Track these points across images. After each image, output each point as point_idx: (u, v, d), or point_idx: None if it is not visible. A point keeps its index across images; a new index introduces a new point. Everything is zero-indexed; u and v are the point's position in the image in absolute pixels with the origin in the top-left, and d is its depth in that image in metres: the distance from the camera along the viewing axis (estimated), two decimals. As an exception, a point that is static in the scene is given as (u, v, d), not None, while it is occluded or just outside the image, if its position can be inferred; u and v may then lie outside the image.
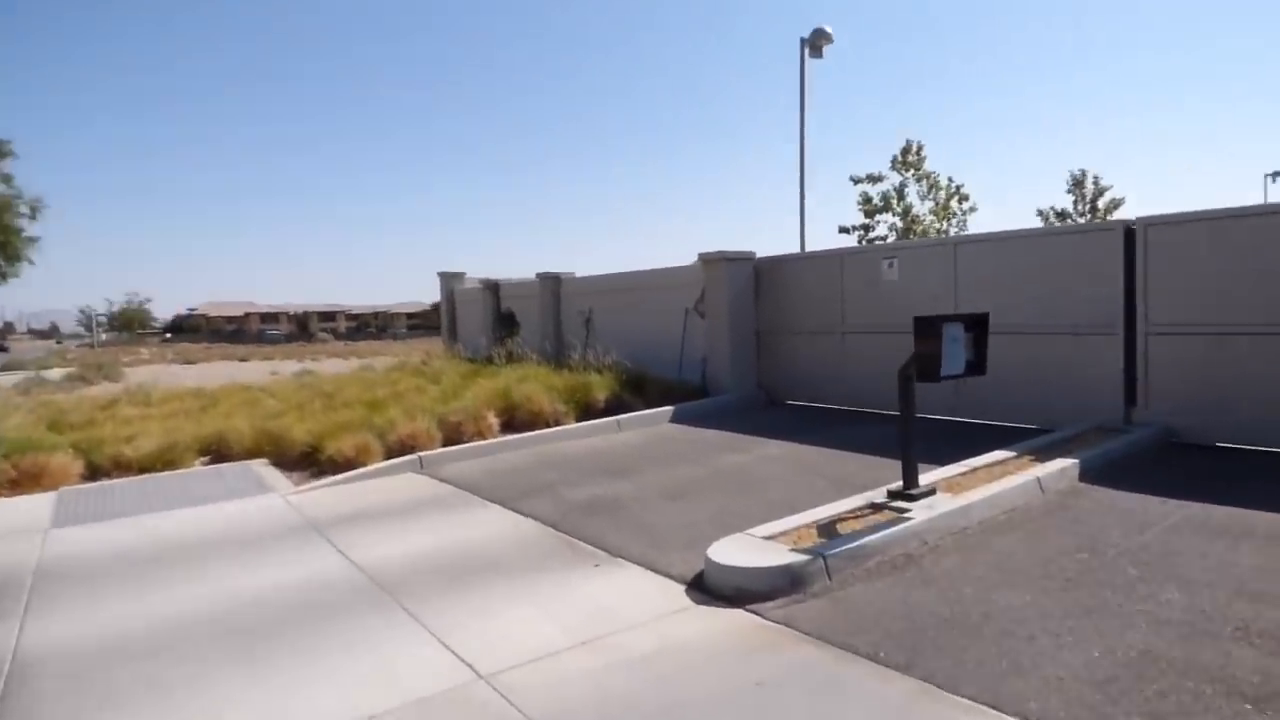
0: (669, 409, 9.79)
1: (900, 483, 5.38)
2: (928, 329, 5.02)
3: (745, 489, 6.26)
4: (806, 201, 15.48)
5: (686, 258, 12.99)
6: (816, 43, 17.13)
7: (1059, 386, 7.72)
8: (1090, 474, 5.89)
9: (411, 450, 8.10)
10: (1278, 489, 5.41)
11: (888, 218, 22.64)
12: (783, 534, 4.61)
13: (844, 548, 4.31)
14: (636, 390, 10.40)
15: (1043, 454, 6.28)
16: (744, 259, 10.89)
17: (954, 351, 5.18)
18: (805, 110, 17.32)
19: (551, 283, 14.77)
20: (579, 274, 14.78)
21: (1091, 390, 7.50)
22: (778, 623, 3.71)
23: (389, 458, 7.89)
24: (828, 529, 4.69)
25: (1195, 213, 6.81)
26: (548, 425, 9.36)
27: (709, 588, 4.18)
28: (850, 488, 5.84)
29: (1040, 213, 29.08)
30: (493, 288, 16.78)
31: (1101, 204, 28.36)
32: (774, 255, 10.83)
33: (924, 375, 5.08)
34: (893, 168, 22.97)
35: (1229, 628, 3.37)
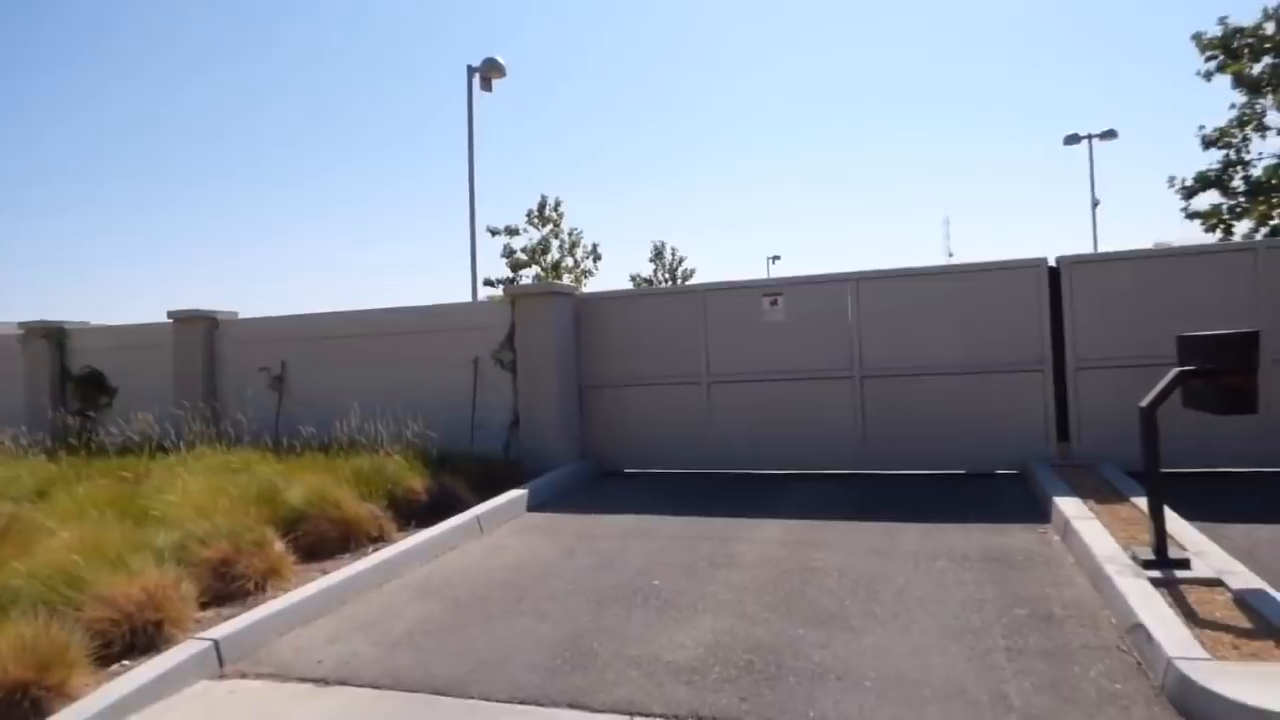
0: (518, 493, 6.92)
1: (1150, 548, 4.10)
2: (1239, 347, 3.83)
3: (886, 601, 4.24)
4: (443, 250, 13.49)
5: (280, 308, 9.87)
6: (487, 74, 15.60)
7: (985, 428, 7.31)
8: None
9: (153, 628, 4.06)
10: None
11: (532, 270, 21.76)
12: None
13: None
14: (442, 472, 7.17)
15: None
16: (565, 294, 8.55)
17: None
18: (474, 147, 15.60)
19: (200, 327, 10.00)
20: (245, 314, 10.32)
21: (1018, 429, 7.23)
22: None
23: (110, 654, 3.79)
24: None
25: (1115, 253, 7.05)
26: (368, 539, 5.77)
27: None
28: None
29: (632, 278, 31.20)
30: (54, 335, 10.82)
31: (680, 272, 31.70)
32: (602, 292, 8.81)
33: (1235, 407, 3.86)
34: (529, 221, 22.26)
35: None
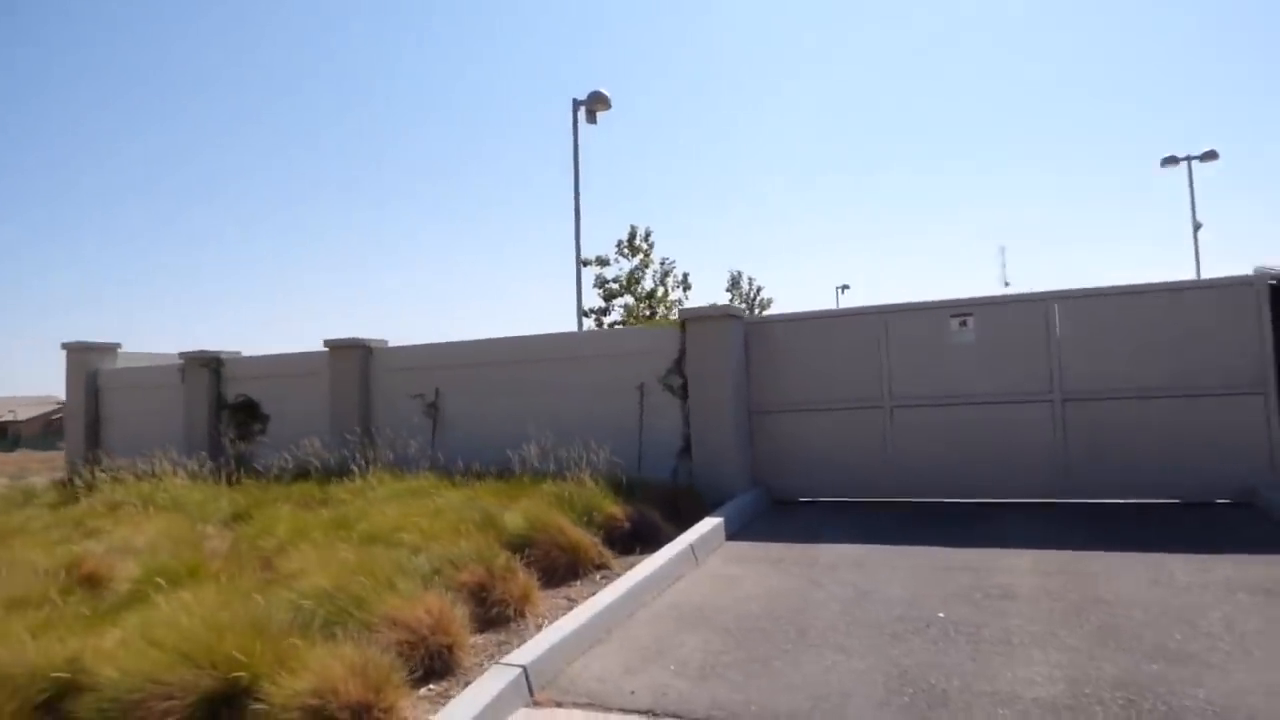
0: (715, 522, 6.70)
1: None
2: None
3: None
4: (556, 279, 13.52)
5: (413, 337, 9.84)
6: (593, 107, 15.78)
7: (1199, 454, 6.87)
8: None
9: (445, 652, 3.92)
10: None
11: (623, 300, 21.82)
12: None
13: None
14: (631, 500, 6.98)
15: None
16: (735, 317, 8.40)
17: None
18: (579, 179, 15.78)
19: (356, 354, 10.10)
20: (395, 342, 10.40)
21: (1236, 456, 6.79)
22: None
23: (412, 678, 3.67)
24: None
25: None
26: (593, 566, 5.61)
27: None
28: None
29: (713, 307, 30.97)
30: (211, 364, 11.06)
31: (758, 301, 31.44)
32: (772, 315, 8.78)
33: None
34: (619, 252, 22.30)
35: None
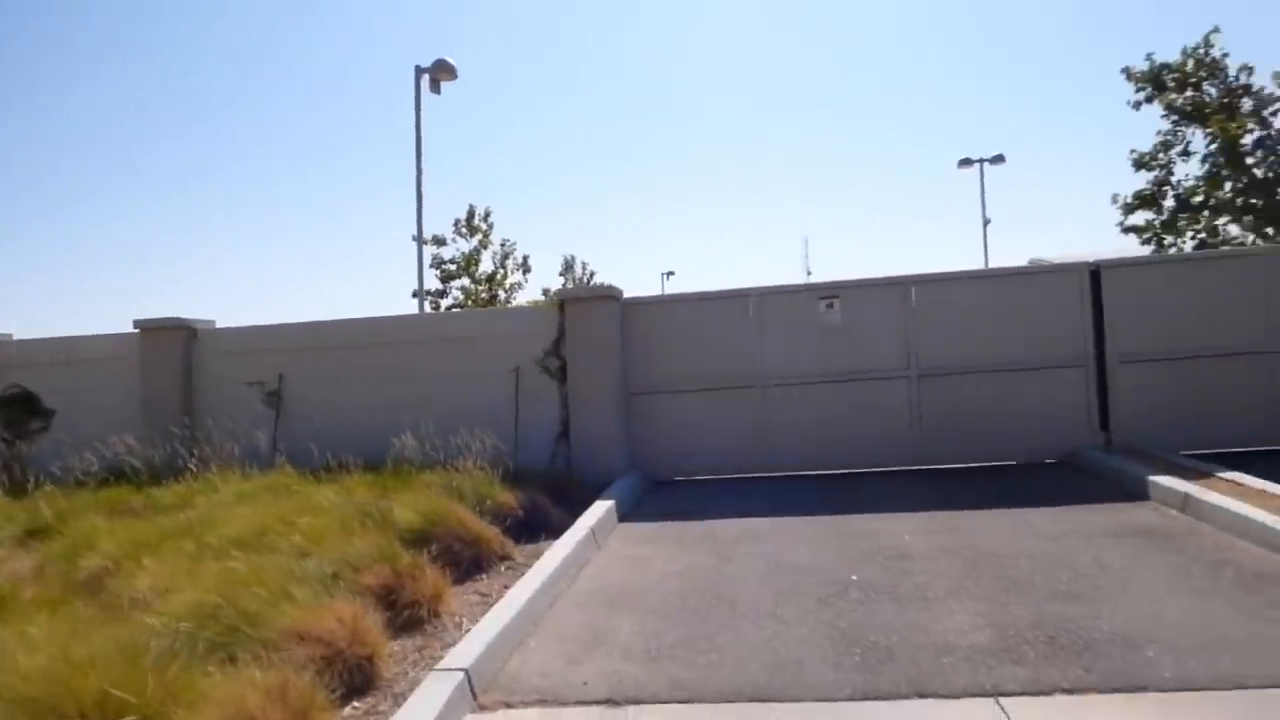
0: (607, 504, 6.58)
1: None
2: None
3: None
4: (389, 261, 12.99)
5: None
6: (437, 76, 14.97)
7: (1034, 421, 7.70)
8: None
9: (366, 664, 3.57)
10: None
11: (461, 282, 21.05)
12: None
13: None
14: (518, 488, 6.69)
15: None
16: (613, 298, 8.27)
17: None
18: (422, 152, 15.03)
19: (176, 337, 8.89)
20: (223, 323, 9.29)
21: (1062, 422, 7.68)
22: None
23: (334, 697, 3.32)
24: None
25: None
26: (497, 557, 5.32)
27: None
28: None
29: (544, 291, 30.60)
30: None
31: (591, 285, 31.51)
32: (648, 296, 8.60)
33: None
34: (456, 231, 21.46)
35: None
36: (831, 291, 8.09)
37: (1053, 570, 4.54)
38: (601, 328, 8.06)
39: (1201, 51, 12.46)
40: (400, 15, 59.75)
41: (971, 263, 26.04)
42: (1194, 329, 7.48)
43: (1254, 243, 11.87)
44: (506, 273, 21.85)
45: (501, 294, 21.88)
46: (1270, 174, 11.60)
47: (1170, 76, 12.43)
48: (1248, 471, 5.88)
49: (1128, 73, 12.88)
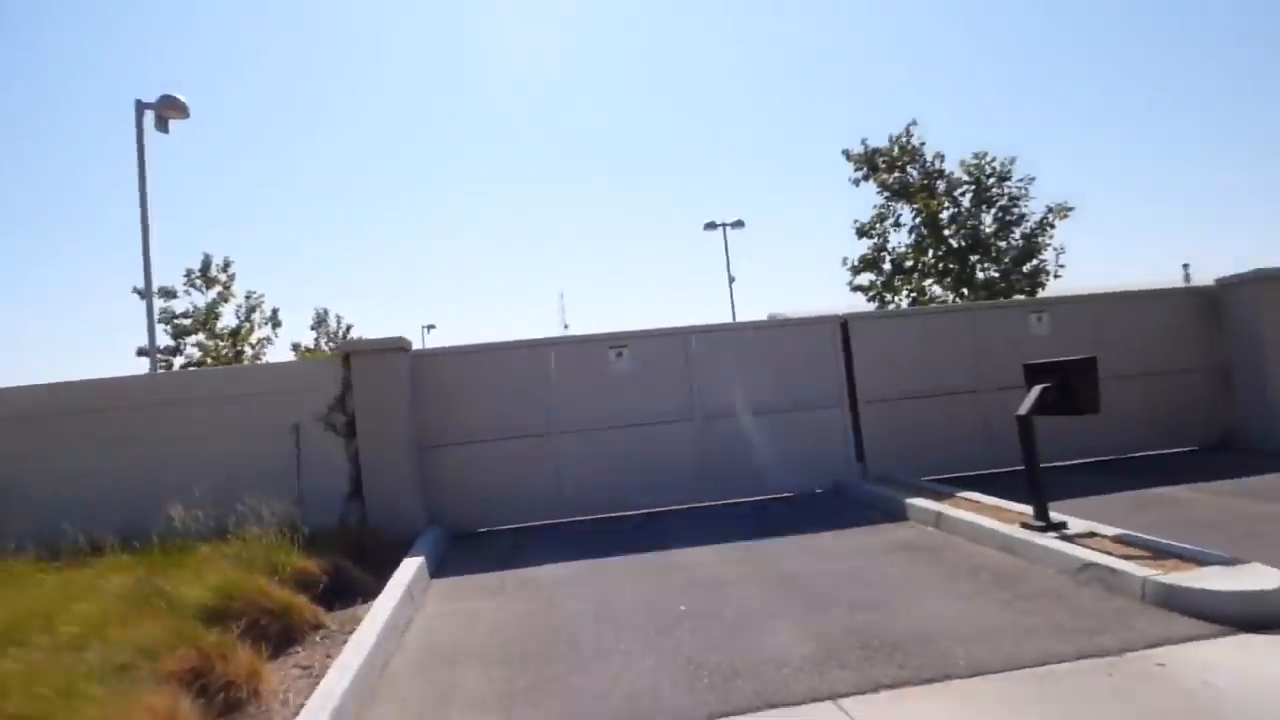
0: (417, 561, 6.30)
1: (1034, 519, 5.55)
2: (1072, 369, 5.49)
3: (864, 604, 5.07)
4: (107, 318, 11.88)
5: None
6: (164, 113, 13.61)
7: (804, 455, 8.64)
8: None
9: None
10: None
11: (196, 338, 18.96)
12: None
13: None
14: (314, 552, 6.22)
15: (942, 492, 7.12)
16: (401, 349, 7.99)
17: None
18: (146, 194, 13.31)
19: None
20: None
21: (827, 456, 8.71)
22: None
23: None
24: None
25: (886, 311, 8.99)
26: (309, 627, 4.92)
27: None
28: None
29: (294, 346, 28.44)
30: None
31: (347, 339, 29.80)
32: (439, 348, 8.53)
33: (1078, 408, 5.48)
34: (189, 282, 19.46)
35: None
36: (621, 341, 8.53)
37: (849, 585, 5.14)
38: (391, 380, 7.78)
39: (904, 139, 15.03)
40: (126, 48, 53.35)
41: (720, 317, 28.50)
42: (921, 372, 8.90)
43: (953, 301, 14.38)
44: (253, 327, 20.13)
45: (249, 350, 20.06)
46: (962, 244, 14.21)
47: (881, 159, 14.85)
48: (982, 491, 7.03)
49: (847, 154, 15.18)
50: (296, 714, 3.56)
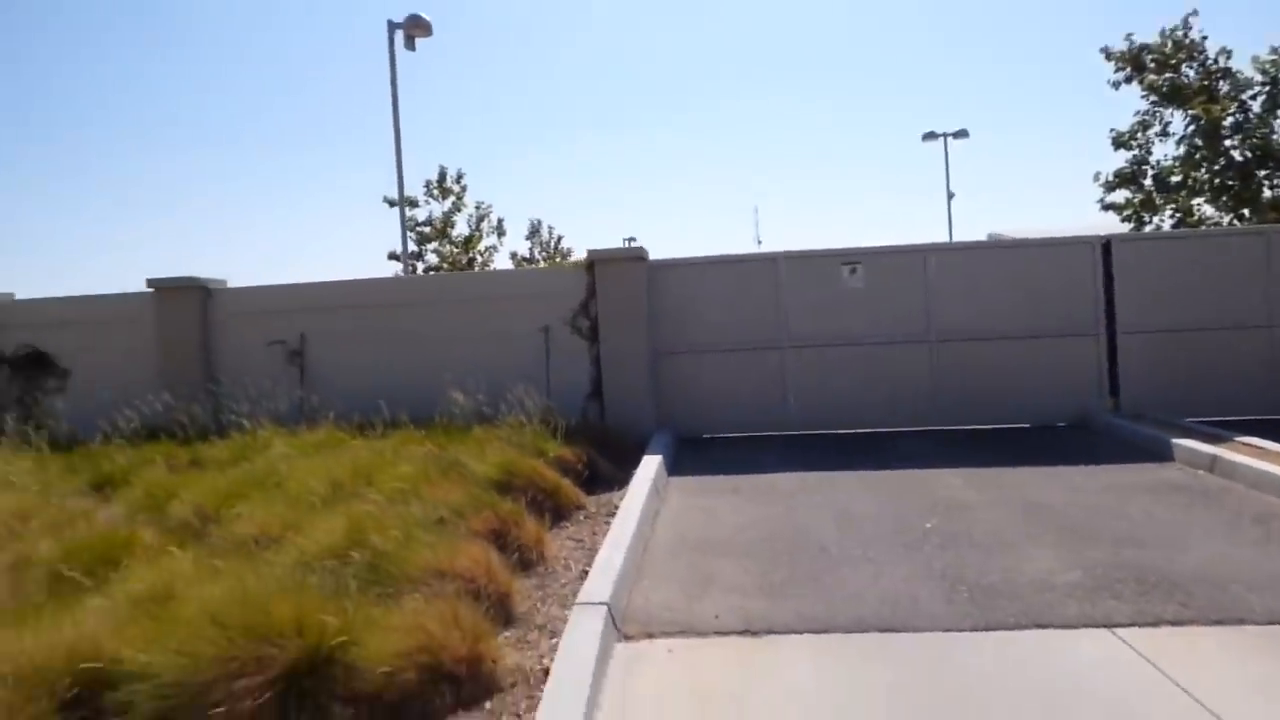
0: (656, 459, 6.75)
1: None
2: None
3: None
4: (359, 223, 12.83)
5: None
6: (411, 32, 14.45)
7: (1045, 386, 8.12)
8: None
9: (504, 599, 3.75)
10: None
11: (435, 245, 20.83)
12: None
13: None
14: (571, 443, 6.81)
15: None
16: (640, 259, 8.38)
17: None
18: (399, 111, 14.43)
19: (192, 297, 8.71)
20: (238, 284, 9.11)
21: (1074, 387, 8.12)
22: None
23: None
24: None
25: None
26: (573, 507, 5.51)
27: None
28: None
29: (511, 255, 30.25)
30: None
31: (558, 250, 31.29)
32: (674, 258, 8.63)
33: None
34: (428, 193, 21.12)
35: None
36: (854, 257, 8.34)
37: (1109, 520, 4.90)
38: (630, 288, 8.19)
39: (1180, 33, 12.96)
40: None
41: (932, 237, 26.75)
42: (1197, 302, 7.96)
43: (1230, 223, 12.51)
44: (482, 235, 21.70)
45: (479, 257, 21.74)
46: (1245, 156, 12.21)
47: (1150, 57, 12.90)
48: (1266, 437, 6.30)
49: (1106, 52, 13.31)
50: (580, 579, 4.06)
